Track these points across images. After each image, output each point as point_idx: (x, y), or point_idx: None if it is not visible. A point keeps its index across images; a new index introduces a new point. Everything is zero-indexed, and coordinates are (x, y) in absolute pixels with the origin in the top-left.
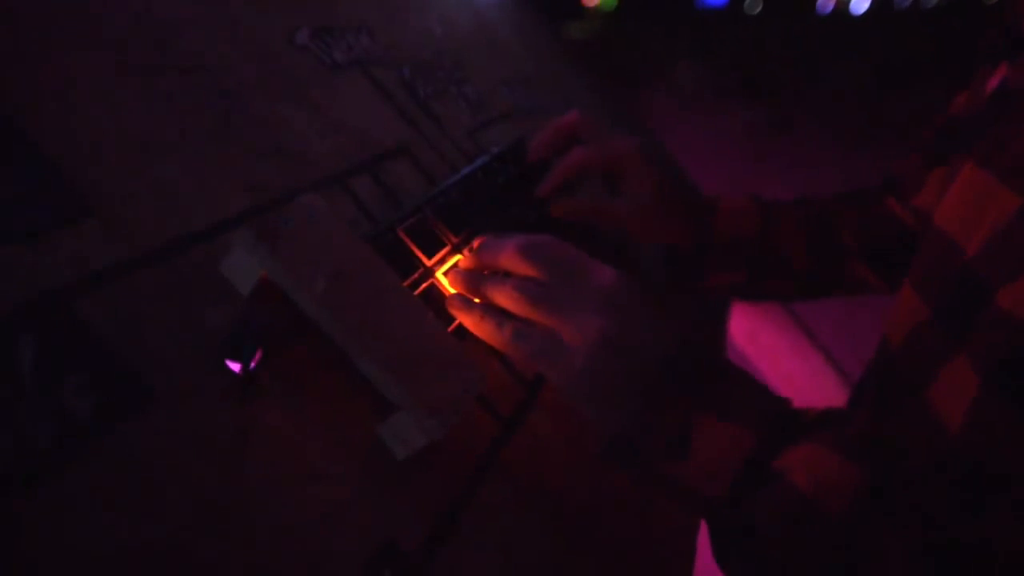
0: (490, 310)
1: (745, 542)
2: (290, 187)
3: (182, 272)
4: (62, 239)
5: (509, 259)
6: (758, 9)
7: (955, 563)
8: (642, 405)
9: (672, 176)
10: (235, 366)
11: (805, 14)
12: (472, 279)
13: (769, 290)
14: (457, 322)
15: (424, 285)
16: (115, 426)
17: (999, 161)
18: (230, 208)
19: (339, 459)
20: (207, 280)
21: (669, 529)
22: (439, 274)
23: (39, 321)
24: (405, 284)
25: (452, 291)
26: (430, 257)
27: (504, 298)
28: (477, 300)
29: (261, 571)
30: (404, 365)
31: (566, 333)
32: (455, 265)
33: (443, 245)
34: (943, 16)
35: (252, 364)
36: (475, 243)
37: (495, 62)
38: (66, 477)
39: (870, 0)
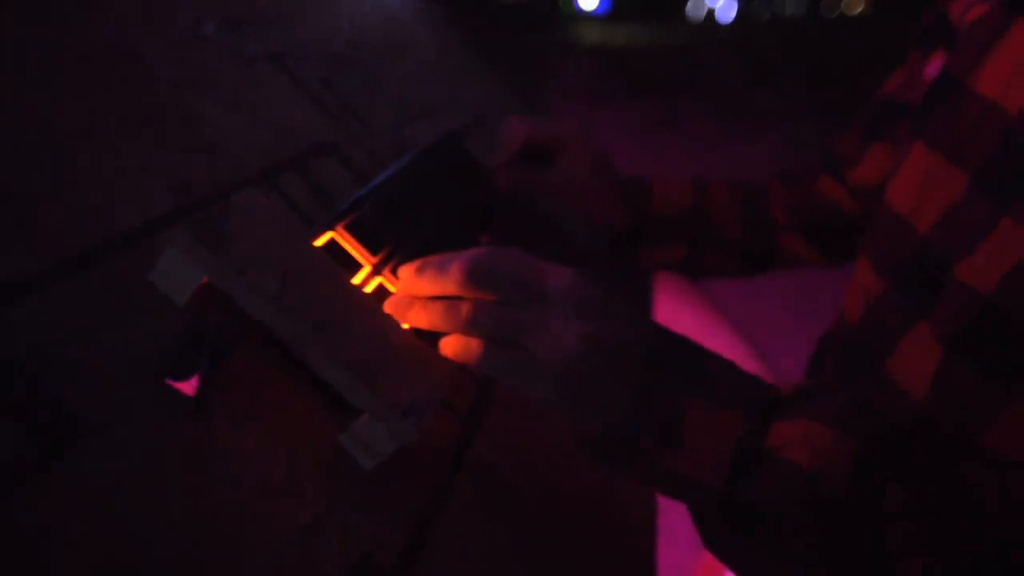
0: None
1: (744, 524)
2: (216, 186)
3: (104, 282)
4: None
5: (459, 285)
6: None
7: (948, 519)
8: (631, 399)
9: (606, 156)
10: (184, 385)
11: (677, 20)
12: (420, 308)
13: (708, 265)
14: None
15: (373, 284)
16: (45, 465)
17: (946, 143)
18: (153, 209)
19: (302, 474)
20: (134, 290)
21: (638, 515)
22: (387, 273)
23: None
24: (355, 280)
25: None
26: (374, 255)
27: (466, 328)
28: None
29: None
30: (369, 367)
31: (541, 346)
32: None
33: (387, 242)
34: (799, 24)
35: (197, 381)
36: (405, 269)
37: (408, 59)
38: None
39: (736, 10)
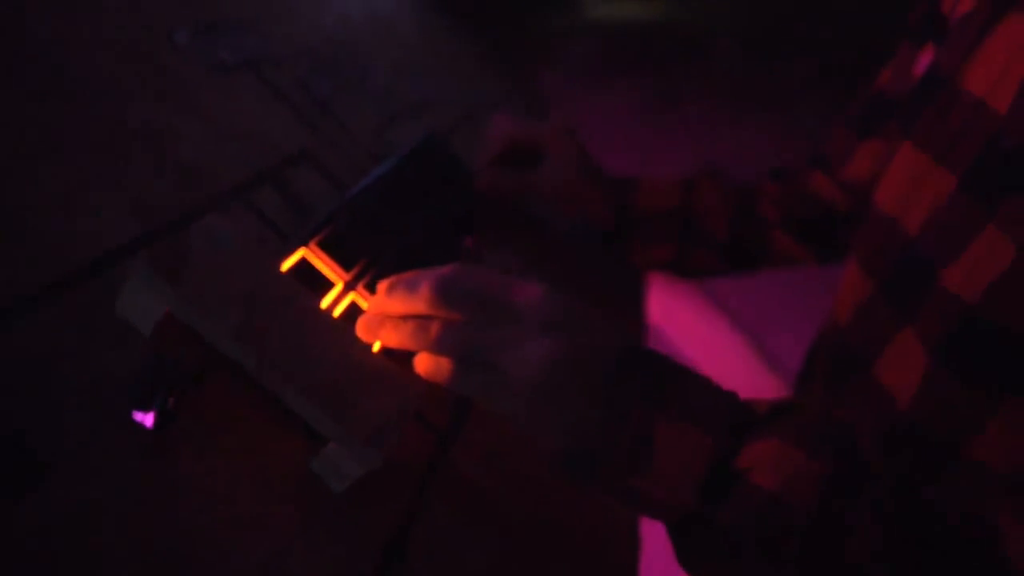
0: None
1: (715, 546)
2: (185, 205)
3: (69, 315)
4: None
5: (428, 304)
6: None
7: (918, 535)
8: (600, 417)
9: (591, 155)
10: (145, 418)
11: None
12: (391, 328)
13: (697, 264)
14: None
15: (345, 301)
16: (9, 500)
17: (935, 143)
18: (119, 235)
19: (273, 501)
20: (101, 321)
21: (619, 530)
22: (360, 289)
23: None
24: (324, 302)
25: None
26: (348, 270)
27: (435, 348)
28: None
29: None
30: (332, 394)
31: (511, 365)
32: (363, 308)
33: (362, 257)
34: None
35: (158, 412)
36: (379, 287)
37: (394, 53)
38: None
39: None
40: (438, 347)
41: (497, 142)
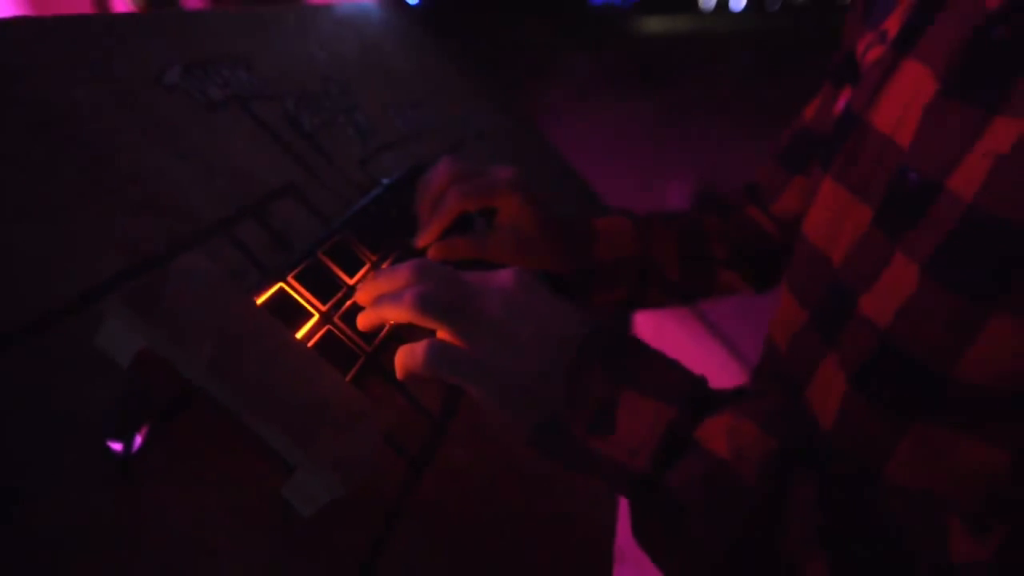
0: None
1: (664, 513)
2: (168, 242)
3: (50, 350)
4: None
5: (407, 278)
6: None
7: (859, 526)
8: (567, 386)
9: (547, 204)
10: (120, 447)
11: (690, 9)
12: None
13: (648, 303)
14: (355, 370)
15: (321, 332)
16: None
17: (852, 178)
18: (101, 272)
19: (244, 529)
20: (81, 355)
21: (594, 549)
22: (336, 320)
23: None
24: (301, 334)
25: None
26: (325, 302)
27: (407, 307)
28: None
29: None
30: (301, 426)
31: (481, 340)
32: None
33: (339, 288)
34: (810, 11)
35: (138, 441)
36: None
37: (383, 84)
38: None
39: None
40: (410, 306)
41: (449, 216)
